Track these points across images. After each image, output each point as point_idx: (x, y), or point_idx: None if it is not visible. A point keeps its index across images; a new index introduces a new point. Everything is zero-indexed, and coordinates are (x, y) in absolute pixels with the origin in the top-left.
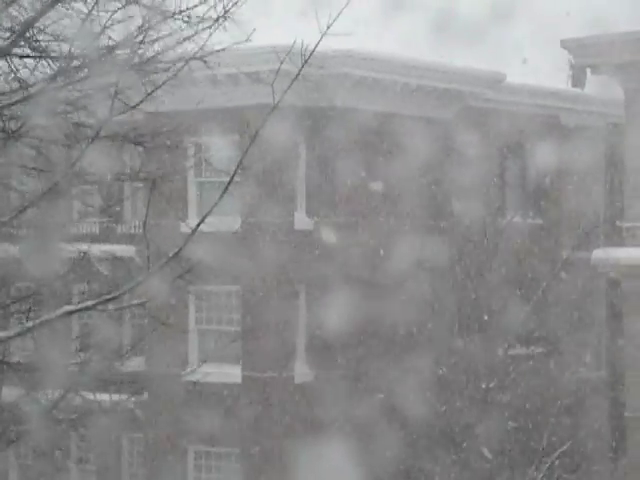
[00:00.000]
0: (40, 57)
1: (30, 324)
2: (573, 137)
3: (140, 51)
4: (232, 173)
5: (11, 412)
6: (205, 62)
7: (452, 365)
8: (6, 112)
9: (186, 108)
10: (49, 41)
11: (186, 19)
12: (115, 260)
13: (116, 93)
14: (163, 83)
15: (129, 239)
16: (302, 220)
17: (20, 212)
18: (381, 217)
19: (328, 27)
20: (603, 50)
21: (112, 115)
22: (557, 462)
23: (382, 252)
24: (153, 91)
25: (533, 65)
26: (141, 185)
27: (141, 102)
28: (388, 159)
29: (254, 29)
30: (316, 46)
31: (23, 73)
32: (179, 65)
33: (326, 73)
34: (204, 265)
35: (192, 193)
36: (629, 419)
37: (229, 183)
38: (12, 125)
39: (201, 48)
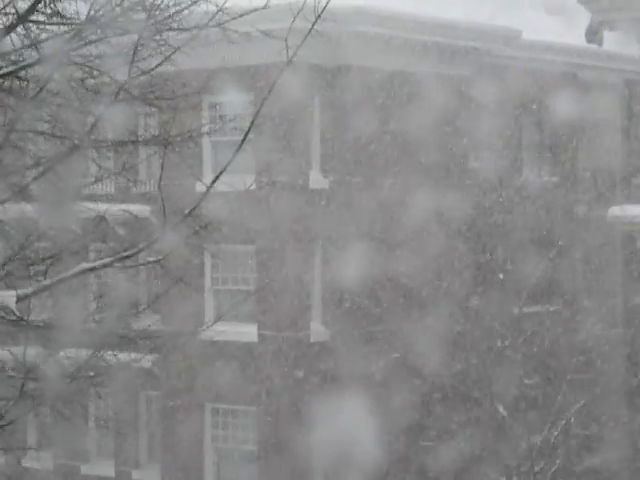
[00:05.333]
0: (58, 24)
1: (48, 282)
2: (590, 93)
3: (156, 11)
4: (246, 130)
5: (33, 372)
6: (224, 30)
7: (468, 322)
8: (22, 75)
9: (198, 66)
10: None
11: None
12: (131, 220)
13: (134, 54)
14: (180, 47)
15: (144, 199)
16: (317, 179)
17: (38, 177)
18: (395, 175)
19: None
20: (621, 5)
21: (131, 77)
22: (573, 419)
23: (397, 211)
24: (172, 53)
25: (549, 21)
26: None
27: (160, 64)
28: (403, 117)
29: None
30: (327, 3)
31: (37, 34)
32: (196, 30)
33: (340, 30)
34: (219, 224)
35: (207, 152)
36: None
37: (243, 140)
38: (28, 88)
39: (219, 10)
